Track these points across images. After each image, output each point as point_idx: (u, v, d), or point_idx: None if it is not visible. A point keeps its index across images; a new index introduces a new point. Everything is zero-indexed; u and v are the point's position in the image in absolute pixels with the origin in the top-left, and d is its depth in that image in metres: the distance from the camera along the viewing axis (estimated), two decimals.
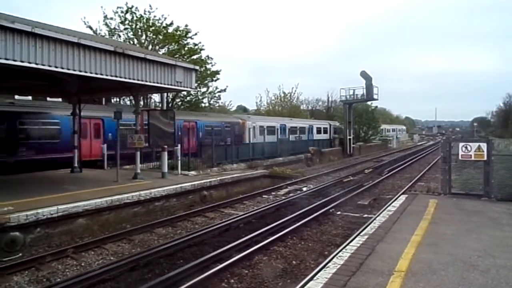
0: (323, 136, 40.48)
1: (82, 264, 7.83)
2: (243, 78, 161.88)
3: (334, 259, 6.04)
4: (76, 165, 16.10)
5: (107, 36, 26.22)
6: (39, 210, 8.95)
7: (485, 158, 10.93)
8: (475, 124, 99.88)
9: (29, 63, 9.12)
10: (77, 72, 10.37)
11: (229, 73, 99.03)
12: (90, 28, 26.36)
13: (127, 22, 26.76)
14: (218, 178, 15.55)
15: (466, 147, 11.10)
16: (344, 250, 6.47)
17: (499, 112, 67.03)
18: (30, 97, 19.50)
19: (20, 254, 8.19)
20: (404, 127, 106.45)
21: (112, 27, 26.86)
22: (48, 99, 19.89)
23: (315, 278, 5.29)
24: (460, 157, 11.27)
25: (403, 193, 13.57)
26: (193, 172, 16.86)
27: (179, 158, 16.79)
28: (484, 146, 11.02)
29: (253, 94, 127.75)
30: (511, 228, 7.93)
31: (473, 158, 11.10)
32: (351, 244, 6.83)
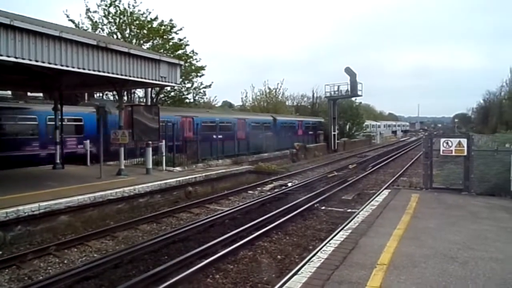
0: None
1: (65, 262, 7.73)
2: (228, 73, 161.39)
3: (318, 254, 6.10)
4: (58, 161, 15.82)
5: (90, 30, 25.71)
6: (20, 207, 8.78)
7: (465, 154, 11.17)
8: (456, 120, 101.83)
9: (8, 56, 8.88)
10: (58, 67, 10.15)
11: (213, 68, 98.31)
12: (72, 21, 25.78)
13: (110, 15, 26.27)
14: (203, 174, 15.51)
15: (447, 143, 11.32)
16: (328, 245, 6.54)
17: (479, 109, 68.48)
18: (9, 92, 19.05)
19: (0, 252, 8.02)
20: (408, 123, 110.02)
21: (95, 20, 26.36)
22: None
23: (299, 272, 5.34)
24: (441, 153, 11.48)
25: (386, 188, 13.78)
26: (178, 168, 16.77)
27: (164, 154, 16.67)
28: (464, 141, 11.26)
29: (238, 89, 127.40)
30: (489, 221, 8.14)
31: (454, 154, 11.32)
32: (335, 238, 6.90)
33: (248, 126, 29.79)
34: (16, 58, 9.03)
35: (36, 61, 9.54)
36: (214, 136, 24.92)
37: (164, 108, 25.43)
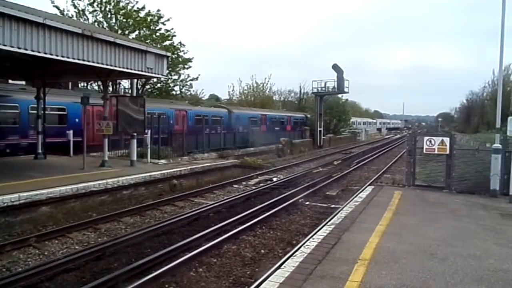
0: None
1: (45, 253, 7.61)
2: (216, 66, 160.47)
3: (302, 248, 6.15)
4: (39, 151, 15.51)
5: (75, 18, 25.17)
6: None
7: (448, 152, 11.38)
8: (439, 119, 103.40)
9: None
10: (41, 54, 9.91)
11: (200, 61, 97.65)
12: (57, 8, 25.18)
13: (96, 3, 25.77)
14: (189, 167, 15.43)
15: (430, 141, 11.51)
16: (311, 240, 6.60)
17: (462, 109, 69.67)
18: None
19: None
20: (399, 121, 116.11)
21: (81, 8, 25.81)
22: None
23: (282, 267, 5.37)
24: (424, 151, 11.67)
25: (369, 185, 13.96)
26: (163, 161, 16.63)
27: (149, 146, 16.51)
28: (447, 140, 11.46)
29: (225, 83, 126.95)
30: (469, 219, 8.34)
31: (436, 152, 11.52)
32: (318, 233, 6.97)
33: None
34: None
35: (19, 48, 9.28)
36: (277, 129, 35.09)
37: (252, 108, 37.00)
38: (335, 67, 36.84)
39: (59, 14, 24.13)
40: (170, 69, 26.84)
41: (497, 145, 10.82)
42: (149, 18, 27.13)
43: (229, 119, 29.50)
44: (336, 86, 36.91)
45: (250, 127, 30.96)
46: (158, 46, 24.90)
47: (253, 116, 33.11)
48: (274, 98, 54.36)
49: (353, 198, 10.41)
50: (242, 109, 33.42)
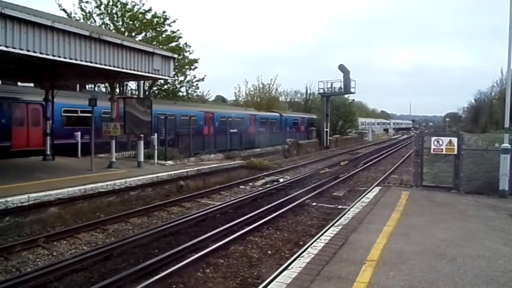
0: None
1: (54, 254, 7.68)
2: (222, 67, 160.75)
3: (309, 249, 6.14)
4: (48, 152, 15.66)
5: (82, 21, 25.39)
6: (9, 199, 8.70)
7: (456, 152, 11.28)
8: (447, 119, 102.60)
9: None
10: (50, 57, 10.03)
11: (206, 62, 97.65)
12: (64, 11, 25.42)
13: (103, 6, 25.98)
14: (195, 168, 15.48)
15: (438, 141, 11.41)
16: (318, 240, 6.58)
17: (470, 108, 69.08)
18: None
19: None
20: (410, 122, 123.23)
21: (88, 11, 26.03)
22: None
23: (289, 268, 5.37)
24: (432, 151, 11.58)
25: (377, 185, 13.88)
26: (170, 162, 16.70)
27: (156, 147, 16.59)
28: (455, 140, 11.36)
29: (231, 84, 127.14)
30: (477, 219, 8.25)
31: (444, 152, 11.42)
32: (325, 234, 6.95)
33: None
34: (6, 47, 8.88)
35: (28, 50, 9.40)
36: (311, 129, 38.89)
37: (294, 112, 45.47)
38: (342, 67, 36.73)
39: (66, 17, 24.33)
40: (176, 70, 26.95)
41: (506, 145, 10.70)
42: (155, 20, 27.26)
43: (280, 121, 36.85)
44: (342, 86, 36.80)
45: (293, 127, 39.65)
46: (165, 47, 25.02)
47: (295, 118, 41.52)
48: (280, 99, 54.29)
49: (360, 199, 10.36)
50: (288, 113, 42.07)
